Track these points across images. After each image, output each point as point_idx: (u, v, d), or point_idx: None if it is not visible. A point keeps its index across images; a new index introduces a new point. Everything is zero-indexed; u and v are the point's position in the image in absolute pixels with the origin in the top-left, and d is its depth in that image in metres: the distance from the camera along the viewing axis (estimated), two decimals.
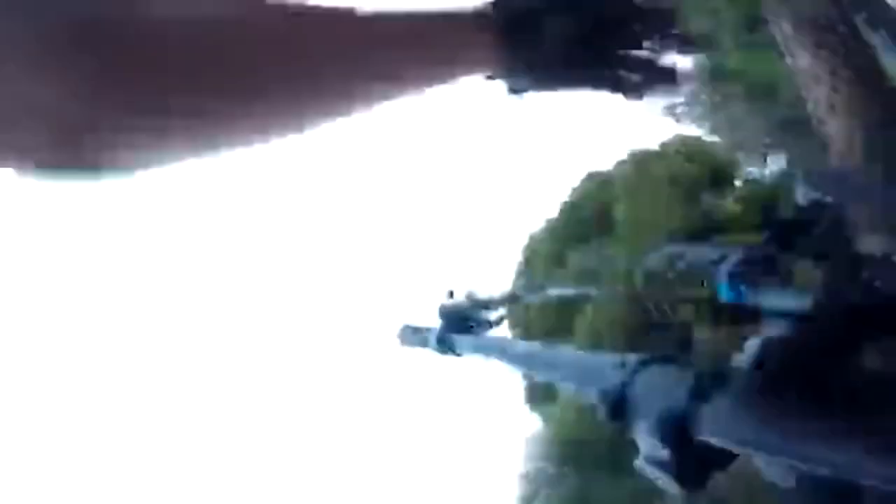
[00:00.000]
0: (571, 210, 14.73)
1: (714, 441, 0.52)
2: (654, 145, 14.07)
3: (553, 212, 14.91)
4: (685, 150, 13.45)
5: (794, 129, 9.92)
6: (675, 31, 0.77)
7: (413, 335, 1.30)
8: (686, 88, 12.07)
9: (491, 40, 0.68)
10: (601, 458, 11.42)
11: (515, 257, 15.08)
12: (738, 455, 0.53)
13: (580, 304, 12.65)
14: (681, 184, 12.94)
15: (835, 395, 0.48)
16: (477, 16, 0.68)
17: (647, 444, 0.58)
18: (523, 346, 0.97)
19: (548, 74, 0.72)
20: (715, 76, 11.20)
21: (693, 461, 0.55)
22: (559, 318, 12.89)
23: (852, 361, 0.52)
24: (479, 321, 1.19)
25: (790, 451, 0.47)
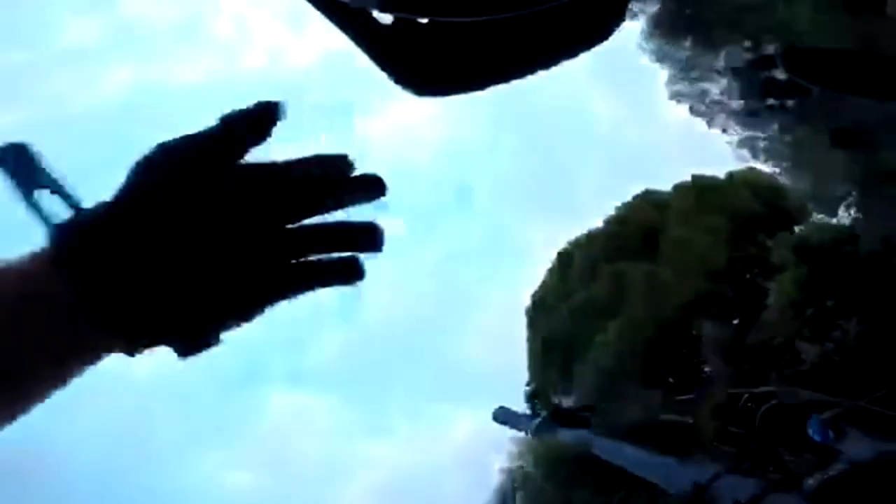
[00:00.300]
0: (617, 224, 14.31)
1: None
2: (720, 174, 13.53)
3: (597, 222, 14.50)
4: (752, 185, 12.83)
5: (876, 182, 9.21)
6: (370, 187, 0.61)
7: (512, 418, 1.67)
8: (771, 124, 11.45)
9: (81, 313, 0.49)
10: (586, 474, 11.10)
11: (548, 261, 14.80)
12: None
13: (603, 321, 12.29)
14: (739, 218, 12.40)
15: None
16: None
17: None
18: (619, 447, 1.01)
19: (195, 323, 0.54)
20: (805, 115, 10.53)
21: None
22: (582, 330, 12.53)
23: None
24: (583, 420, 1.36)
25: None
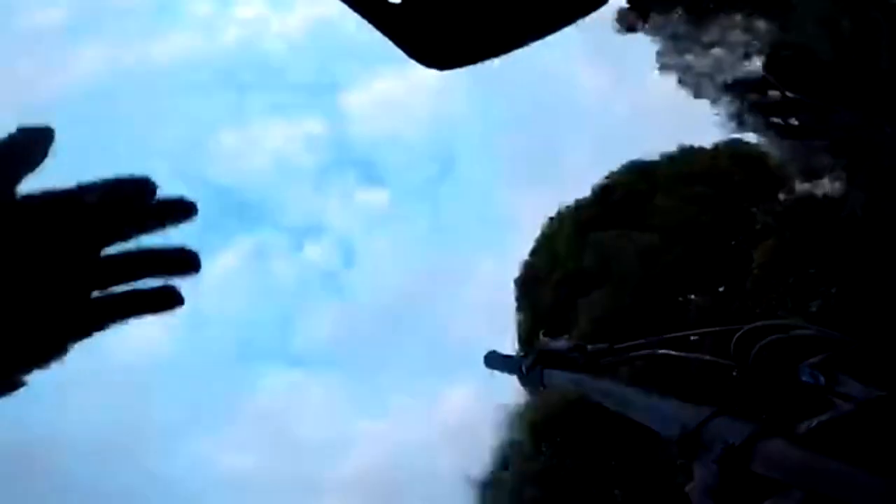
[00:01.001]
0: (604, 193, 14.44)
1: (768, 474, 0.76)
2: (705, 143, 13.67)
3: (585, 191, 14.64)
4: (736, 153, 12.98)
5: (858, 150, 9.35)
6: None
7: (501, 361, 1.55)
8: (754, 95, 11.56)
9: None
10: (581, 439, 11.35)
11: (536, 230, 14.94)
12: (778, 488, 0.74)
13: (590, 289, 12.46)
14: (722, 186, 12.57)
15: (873, 464, 0.69)
16: None
17: (705, 473, 0.81)
18: (611, 387, 1.14)
19: None
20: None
21: (743, 489, 0.75)
22: (569, 300, 12.71)
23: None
24: (574, 361, 1.32)
25: (827, 488, 0.66)
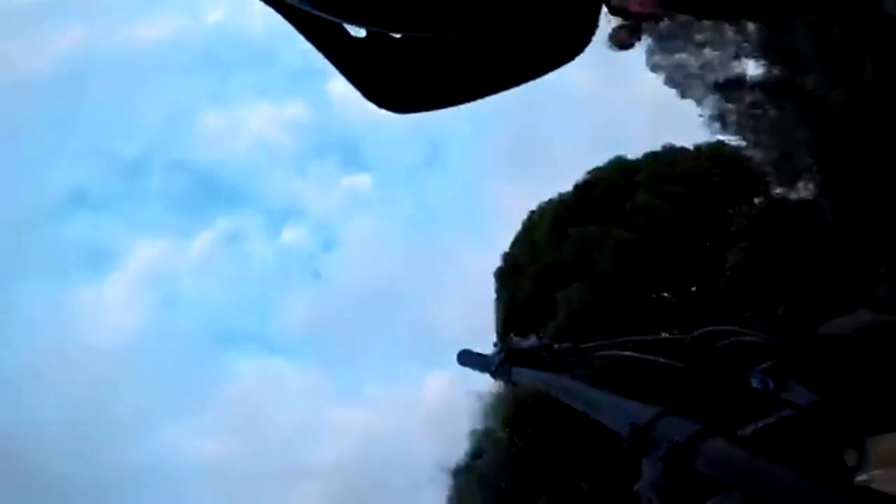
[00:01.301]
0: (586, 188, 14.54)
1: (709, 472, 0.73)
2: (688, 144, 13.80)
3: (568, 187, 14.72)
4: (718, 156, 13.14)
5: (839, 155, 9.52)
6: None
7: (473, 360, 1.61)
8: (743, 98, 11.70)
9: None
10: (554, 427, 11.50)
11: (518, 222, 15.02)
12: (722, 488, 0.74)
13: (568, 282, 12.59)
14: (701, 187, 12.72)
15: (812, 468, 0.70)
16: None
17: (652, 470, 0.78)
18: (574, 385, 1.20)
19: None
20: (778, 91, 10.77)
21: (687, 486, 0.74)
22: (548, 292, 12.83)
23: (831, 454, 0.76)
24: (541, 360, 1.39)
25: (764, 489, 0.68)
